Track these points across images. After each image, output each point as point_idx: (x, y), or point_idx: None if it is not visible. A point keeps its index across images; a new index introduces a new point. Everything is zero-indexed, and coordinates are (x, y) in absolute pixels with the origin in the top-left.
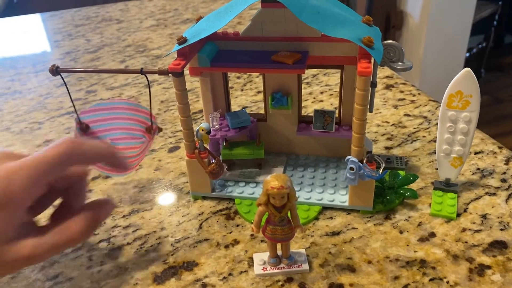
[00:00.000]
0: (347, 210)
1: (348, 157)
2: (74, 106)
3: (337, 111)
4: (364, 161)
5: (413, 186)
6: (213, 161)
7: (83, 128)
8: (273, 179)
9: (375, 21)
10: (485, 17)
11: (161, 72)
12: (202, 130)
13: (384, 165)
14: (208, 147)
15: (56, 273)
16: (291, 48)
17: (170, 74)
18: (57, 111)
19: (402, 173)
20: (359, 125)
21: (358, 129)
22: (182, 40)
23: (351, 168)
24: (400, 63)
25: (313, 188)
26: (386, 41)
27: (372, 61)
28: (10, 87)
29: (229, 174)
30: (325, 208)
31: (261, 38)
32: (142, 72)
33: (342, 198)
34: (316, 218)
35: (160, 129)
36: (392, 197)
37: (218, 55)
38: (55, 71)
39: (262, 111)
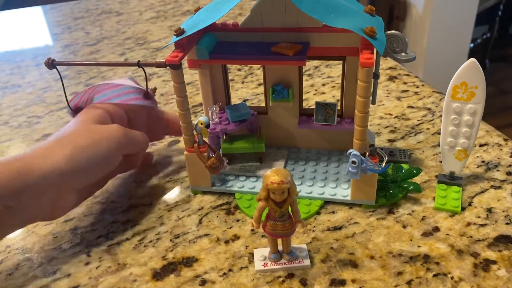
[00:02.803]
0: (349, 205)
1: (350, 150)
2: (67, 99)
3: (339, 104)
4: (367, 154)
5: (417, 179)
6: (213, 155)
7: None
8: (273, 174)
9: (378, 12)
10: (489, 7)
11: (158, 65)
12: (201, 124)
13: (387, 158)
14: (207, 141)
15: (54, 270)
16: (291, 39)
17: (167, 67)
18: (56, 105)
19: (405, 166)
20: (361, 118)
21: (360, 121)
22: (179, 32)
23: (353, 162)
24: (403, 54)
25: (315, 182)
26: (389, 32)
27: (375, 52)
28: (9, 81)
29: (229, 168)
30: (326, 202)
31: (261, 29)
32: (139, 64)
33: (344, 192)
34: (318, 213)
35: (155, 88)
36: (395, 191)
37: (217, 47)
38: (51, 64)
39: (263, 104)
